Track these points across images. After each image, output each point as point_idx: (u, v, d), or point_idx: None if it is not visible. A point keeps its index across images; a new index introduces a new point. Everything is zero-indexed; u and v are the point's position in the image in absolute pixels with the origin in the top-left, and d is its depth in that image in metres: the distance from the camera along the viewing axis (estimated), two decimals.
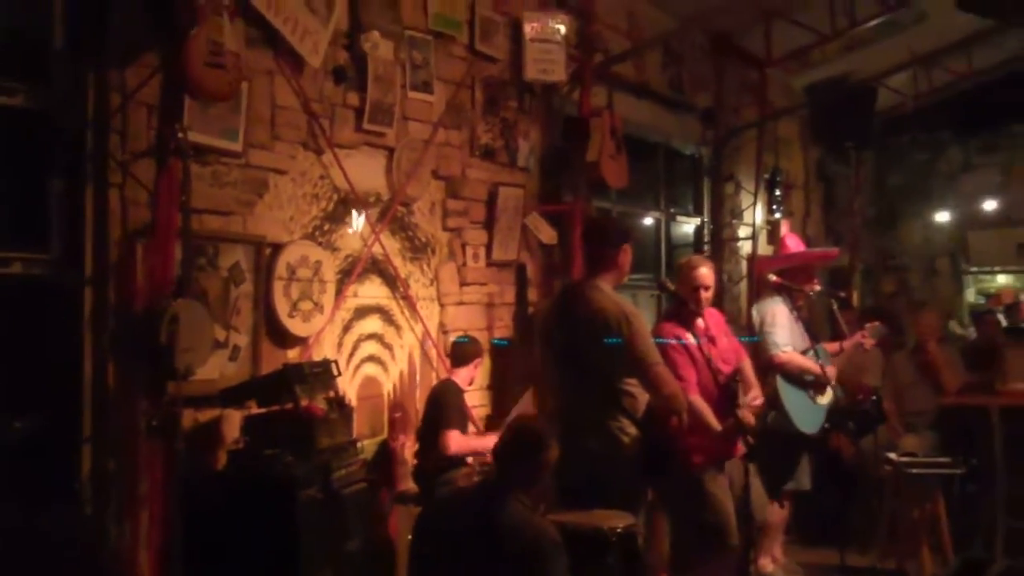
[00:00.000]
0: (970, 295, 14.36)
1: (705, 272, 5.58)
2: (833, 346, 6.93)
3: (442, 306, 6.61)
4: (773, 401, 6.15)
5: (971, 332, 10.67)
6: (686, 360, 5.33)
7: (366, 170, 5.98)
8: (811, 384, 6.47)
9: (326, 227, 5.73)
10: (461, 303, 6.78)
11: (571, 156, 7.33)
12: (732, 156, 10.05)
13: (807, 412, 6.44)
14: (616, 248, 4.93)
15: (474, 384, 6.30)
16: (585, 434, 4.67)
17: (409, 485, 5.83)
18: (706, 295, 5.57)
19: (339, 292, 5.75)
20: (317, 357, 5.43)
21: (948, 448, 7.13)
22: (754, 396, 5.58)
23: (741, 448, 5.11)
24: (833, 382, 6.39)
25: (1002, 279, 14.44)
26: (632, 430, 4.66)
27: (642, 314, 4.91)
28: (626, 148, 7.45)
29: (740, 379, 5.44)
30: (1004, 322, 10.61)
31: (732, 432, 5.06)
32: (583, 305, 4.81)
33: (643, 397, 4.71)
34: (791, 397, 6.35)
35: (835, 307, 7.00)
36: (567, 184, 7.48)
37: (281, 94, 5.41)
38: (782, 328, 6.38)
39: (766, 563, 6.69)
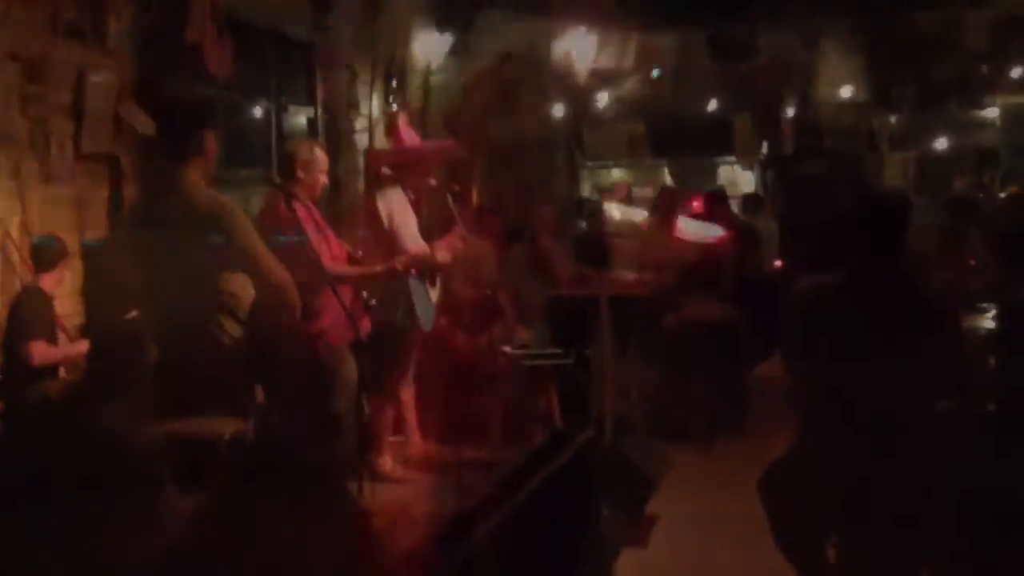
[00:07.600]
0: (586, 189, 14.97)
1: (320, 154, 5.58)
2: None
3: (23, 204, 5.92)
4: (404, 297, 6.02)
5: (583, 226, 10.85)
6: (315, 238, 5.20)
7: None
8: (429, 278, 6.33)
9: None
10: (46, 201, 6.10)
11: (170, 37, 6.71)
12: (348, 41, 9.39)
13: (427, 308, 6.29)
14: (201, 131, 4.56)
15: (63, 289, 5.88)
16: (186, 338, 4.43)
17: None
18: (323, 180, 5.60)
19: None
20: None
21: (560, 339, 7.20)
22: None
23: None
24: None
25: (616, 173, 15.48)
26: (235, 330, 4.45)
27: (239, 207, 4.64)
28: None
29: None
30: (616, 215, 10.87)
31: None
32: (173, 199, 4.45)
33: (246, 294, 4.47)
34: (418, 293, 6.17)
35: (451, 201, 6.75)
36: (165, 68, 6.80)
37: None
38: (407, 227, 6.18)
39: (384, 462, 6.46)
